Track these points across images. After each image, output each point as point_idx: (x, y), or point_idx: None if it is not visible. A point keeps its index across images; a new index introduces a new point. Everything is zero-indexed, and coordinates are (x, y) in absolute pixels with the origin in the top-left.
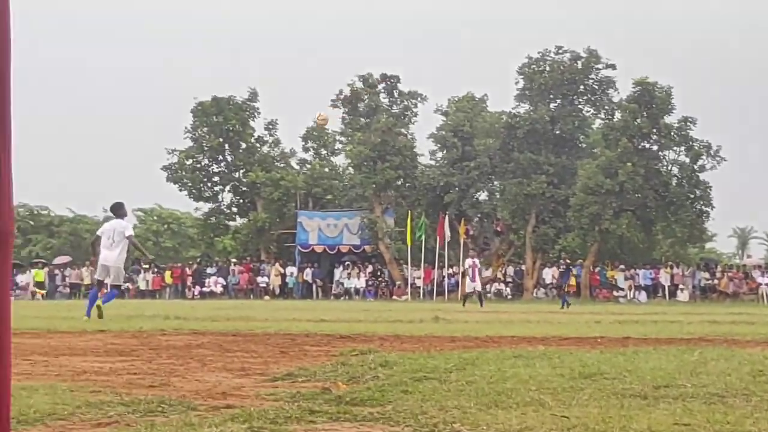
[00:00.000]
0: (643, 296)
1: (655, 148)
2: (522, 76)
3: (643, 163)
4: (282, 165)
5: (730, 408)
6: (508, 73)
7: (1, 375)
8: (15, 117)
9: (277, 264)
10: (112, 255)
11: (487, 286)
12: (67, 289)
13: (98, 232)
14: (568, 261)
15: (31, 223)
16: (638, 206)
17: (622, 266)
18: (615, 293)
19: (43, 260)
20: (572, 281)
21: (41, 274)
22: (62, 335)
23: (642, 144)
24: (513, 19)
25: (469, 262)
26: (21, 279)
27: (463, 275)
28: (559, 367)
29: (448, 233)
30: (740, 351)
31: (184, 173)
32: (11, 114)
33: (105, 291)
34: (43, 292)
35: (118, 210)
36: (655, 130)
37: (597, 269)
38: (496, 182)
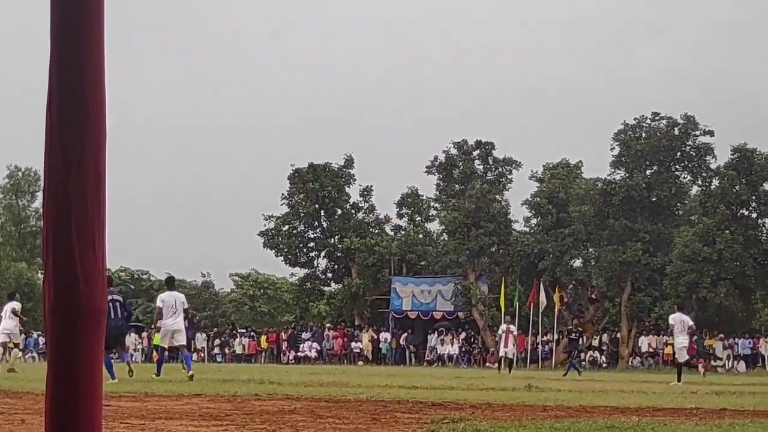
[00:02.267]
0: (742, 366)
1: (754, 215)
2: (618, 143)
3: (742, 231)
4: (377, 231)
5: None
6: (604, 140)
7: None
8: (115, 182)
9: (370, 330)
10: (177, 321)
11: (582, 354)
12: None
13: (159, 304)
14: (581, 329)
15: (132, 287)
16: (737, 274)
17: (720, 335)
18: (713, 363)
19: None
20: (668, 350)
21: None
22: (159, 399)
23: (741, 211)
24: (608, 86)
25: (503, 327)
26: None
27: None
28: None
29: (544, 300)
30: None
31: (280, 239)
32: (106, 188)
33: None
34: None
35: (173, 283)
36: (754, 198)
37: (694, 338)
38: (590, 249)
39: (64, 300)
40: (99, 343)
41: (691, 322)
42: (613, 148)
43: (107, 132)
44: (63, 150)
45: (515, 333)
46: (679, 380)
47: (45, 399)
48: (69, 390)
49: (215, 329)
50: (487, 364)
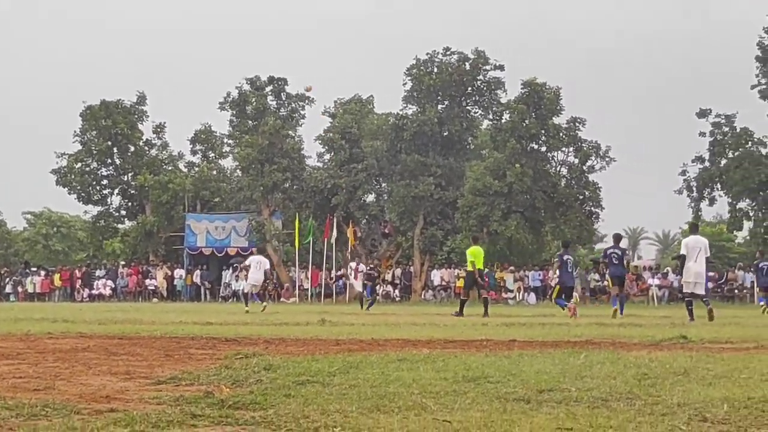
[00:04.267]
0: (532, 298)
1: (543, 149)
2: (409, 78)
3: (532, 164)
4: (170, 168)
5: (613, 412)
6: (396, 76)
7: None
8: None
9: (165, 266)
10: None
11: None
12: None
13: None
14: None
15: None
16: (527, 207)
17: (511, 268)
18: (504, 295)
19: None
20: (459, 282)
21: None
22: None
23: (530, 145)
24: (401, 21)
25: (352, 265)
26: None
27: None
28: (442, 371)
29: (336, 235)
30: (626, 354)
31: (73, 177)
32: None
33: None
34: None
35: None
36: (543, 131)
37: (485, 271)
38: (383, 184)
39: None
40: None
41: None
42: (405, 83)
43: None
44: None
45: (363, 270)
46: (249, 304)
47: None
48: None
49: (6, 268)
50: (281, 299)
